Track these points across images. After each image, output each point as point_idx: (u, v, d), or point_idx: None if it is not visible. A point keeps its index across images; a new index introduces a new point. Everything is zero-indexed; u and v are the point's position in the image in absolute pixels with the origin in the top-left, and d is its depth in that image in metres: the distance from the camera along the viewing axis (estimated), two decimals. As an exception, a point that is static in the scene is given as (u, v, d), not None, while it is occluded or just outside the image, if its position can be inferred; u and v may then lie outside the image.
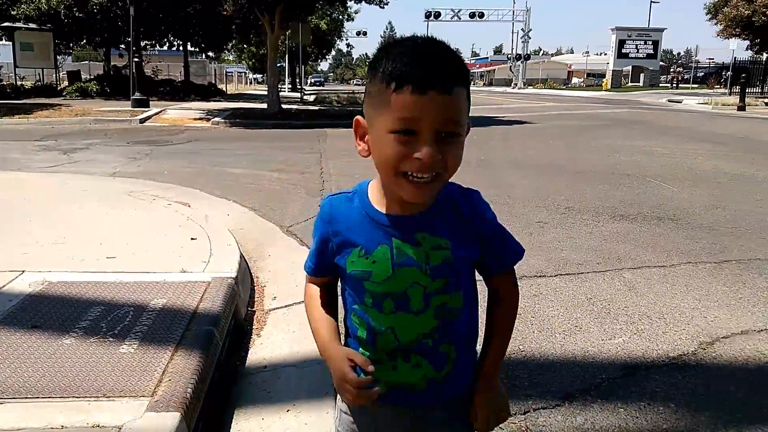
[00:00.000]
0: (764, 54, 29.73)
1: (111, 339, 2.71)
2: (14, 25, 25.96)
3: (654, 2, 60.71)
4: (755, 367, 2.73)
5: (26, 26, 26.23)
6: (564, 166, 8.38)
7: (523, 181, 7.26)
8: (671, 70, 62.32)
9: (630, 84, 53.70)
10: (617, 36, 51.72)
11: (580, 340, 3.02)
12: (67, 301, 3.15)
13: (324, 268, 1.25)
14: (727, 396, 2.48)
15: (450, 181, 1.14)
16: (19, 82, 28.00)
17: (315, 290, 1.31)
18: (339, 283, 1.29)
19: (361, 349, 1.21)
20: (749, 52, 29.67)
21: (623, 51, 52.07)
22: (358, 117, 1.11)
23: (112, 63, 31.54)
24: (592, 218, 5.38)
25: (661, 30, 54.15)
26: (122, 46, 30.04)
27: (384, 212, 1.14)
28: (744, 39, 26.19)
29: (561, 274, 3.94)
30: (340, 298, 1.30)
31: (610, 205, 5.86)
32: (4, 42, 29.25)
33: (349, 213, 1.18)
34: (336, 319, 1.27)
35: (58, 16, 25.39)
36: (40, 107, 17.41)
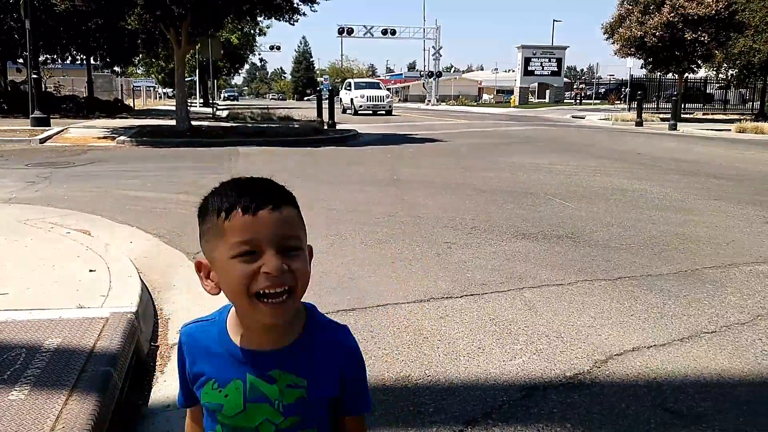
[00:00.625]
0: (657, 72, 31.81)
1: (0, 385, 2.56)
2: None
3: (557, 21, 63.75)
4: (644, 383, 2.91)
5: None
6: (473, 185, 8.65)
7: (432, 200, 7.43)
8: (575, 86, 65.57)
9: (536, 100, 56.06)
10: (523, 54, 53.80)
11: (483, 362, 3.13)
12: (-50, 345, 2.95)
13: (193, 398, 1.23)
14: (620, 413, 2.63)
15: (318, 313, 1.18)
16: None
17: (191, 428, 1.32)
18: None
19: None
20: (644, 70, 31.67)
21: (529, 68, 54.18)
22: (199, 259, 1.12)
23: (9, 78, 29.78)
24: (496, 237, 5.58)
25: (565, 48, 56.83)
26: (20, 60, 28.44)
27: (242, 345, 1.13)
28: (639, 58, 27.92)
29: (466, 295, 4.06)
30: None
31: (513, 224, 6.10)
32: None
33: (207, 343, 1.17)
34: None
35: (-53, 29, 23.79)
36: (-75, 125, 16.21)
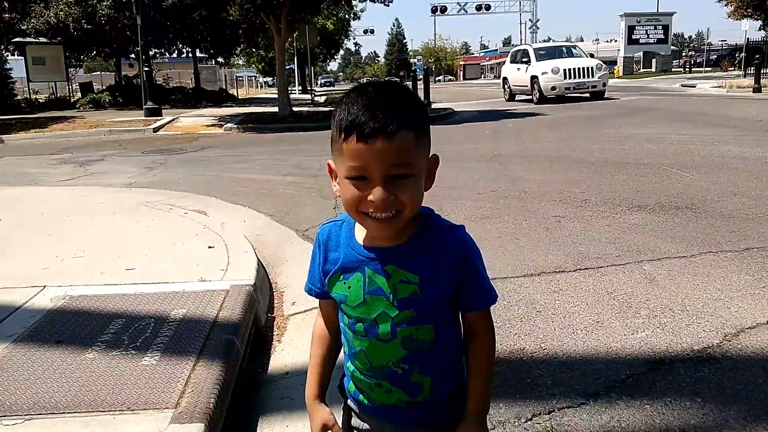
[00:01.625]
0: (777, 33, 29.28)
1: (133, 351, 2.73)
2: (25, 40, 26.25)
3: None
4: (782, 357, 2.68)
5: (36, 40, 26.50)
6: (578, 158, 8.32)
7: (536, 174, 7.21)
8: (683, 54, 61.60)
9: (642, 70, 53.11)
10: (626, 22, 51.19)
11: (602, 335, 2.99)
12: (88, 314, 3.18)
13: (320, 290, 1.31)
14: (756, 388, 2.44)
15: (436, 216, 1.23)
16: (33, 96, 28.35)
17: (318, 326, 1.41)
18: None
19: (346, 363, 1.32)
20: (762, 33, 29.21)
21: (633, 37, 51.54)
22: (329, 161, 1.18)
23: (122, 73, 31.82)
24: (609, 210, 5.33)
25: (671, 14, 53.53)
26: (132, 55, 30.28)
27: (364, 243, 1.21)
28: (756, 19, 25.78)
29: (580, 269, 3.90)
30: None
31: (626, 196, 5.80)
32: (16, 57, 29.56)
33: (337, 240, 1.26)
34: (335, 341, 1.38)
35: (67, 29, 25.64)
36: (55, 120, 17.60)
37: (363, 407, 1.33)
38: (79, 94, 29.42)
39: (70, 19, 25.23)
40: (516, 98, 22.99)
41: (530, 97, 21.38)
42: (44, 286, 3.58)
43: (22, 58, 27.02)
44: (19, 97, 28.83)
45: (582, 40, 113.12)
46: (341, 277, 1.22)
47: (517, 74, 22.47)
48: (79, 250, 4.31)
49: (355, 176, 1.07)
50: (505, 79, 24.01)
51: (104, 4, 24.45)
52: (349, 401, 1.38)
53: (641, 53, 54.12)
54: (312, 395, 1.37)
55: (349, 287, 1.21)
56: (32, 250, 4.37)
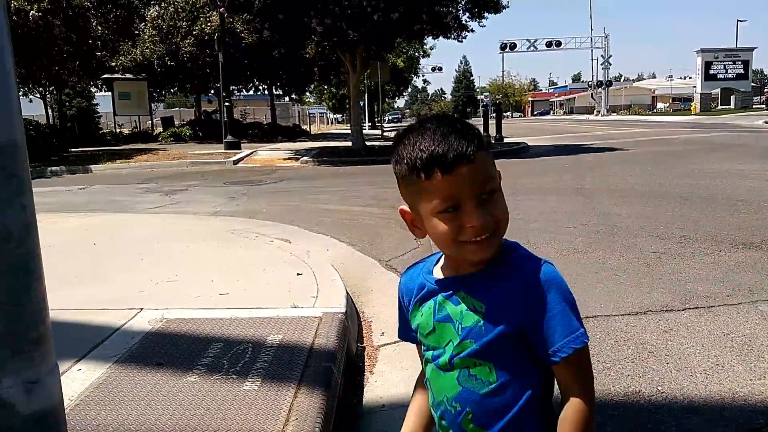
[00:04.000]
0: None
1: (234, 376, 2.69)
2: (113, 76, 27.83)
3: (741, 21, 58.06)
4: None
5: (123, 77, 28.04)
6: (669, 192, 7.96)
7: (626, 209, 6.92)
8: (765, 90, 59.11)
9: (720, 107, 51.24)
10: (703, 58, 49.71)
11: (725, 379, 2.76)
12: (186, 338, 3.19)
13: (409, 334, 1.29)
14: None
15: (521, 248, 1.16)
16: (117, 129, 29.91)
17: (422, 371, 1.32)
18: None
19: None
20: None
21: (710, 73, 49.95)
22: (402, 208, 1.16)
23: (202, 108, 33.18)
24: (711, 247, 5.02)
25: (752, 49, 51.68)
26: (212, 91, 31.55)
27: (441, 276, 1.19)
28: None
29: (689, 308, 3.65)
30: None
31: (728, 233, 5.46)
32: (103, 93, 31.35)
33: (416, 279, 1.24)
34: None
35: (152, 66, 27.02)
36: (139, 152, 18.43)
37: None
38: (160, 128, 30.84)
39: (155, 56, 26.59)
40: None
41: None
42: (141, 309, 3.62)
43: (109, 93, 28.62)
44: (104, 131, 30.51)
45: (654, 77, 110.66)
46: (419, 307, 1.21)
47: None
48: (172, 275, 4.38)
49: (446, 209, 1.05)
50: None
51: (187, 42, 25.66)
52: None
53: (719, 89, 52.30)
54: None
55: (422, 314, 1.19)
56: (127, 274, 4.48)
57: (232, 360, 2.86)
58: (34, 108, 28.68)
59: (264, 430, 2.26)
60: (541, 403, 1.11)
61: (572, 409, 1.07)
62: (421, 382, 1.31)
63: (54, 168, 15.36)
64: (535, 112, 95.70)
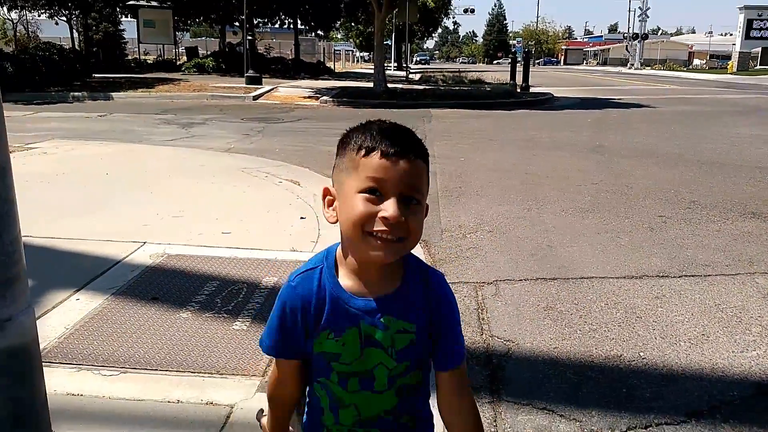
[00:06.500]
0: None
1: (225, 315, 2.78)
2: (138, 2, 27.49)
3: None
4: None
5: (148, 4, 27.67)
6: (687, 156, 7.82)
7: (642, 170, 6.83)
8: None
9: (759, 67, 49.41)
10: (745, 15, 47.63)
11: (707, 350, 2.78)
12: (184, 274, 3.28)
13: (287, 350, 1.18)
14: None
15: (414, 258, 1.18)
16: (142, 57, 29.76)
17: (281, 387, 1.23)
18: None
19: (322, 416, 1.21)
20: None
21: (752, 31, 47.95)
22: (326, 186, 1.15)
23: (227, 40, 32.77)
24: (719, 215, 4.97)
25: (798, 8, 49.34)
26: (236, 23, 31.09)
27: (353, 293, 1.13)
28: None
29: (686, 275, 3.65)
30: None
31: (740, 201, 5.39)
32: (129, 19, 31.05)
33: (317, 294, 1.14)
34: (298, 397, 1.26)
35: (177, -6, 26.64)
36: (161, 81, 18.39)
37: None
38: (184, 58, 30.61)
39: (181, -16, 26.15)
40: None
41: None
42: (144, 242, 3.72)
43: (134, 20, 28.33)
44: (129, 58, 30.38)
45: (693, 32, 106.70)
46: (330, 334, 1.12)
47: None
48: (178, 210, 4.46)
49: (369, 188, 1.06)
50: None
51: (214, -30, 25.17)
52: None
53: (759, 49, 50.29)
54: None
55: (344, 344, 1.12)
56: (135, 207, 4.56)
57: (226, 299, 2.95)
58: (60, 30, 28.56)
59: (248, 369, 2.35)
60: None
61: (460, 412, 1.21)
62: (282, 399, 1.25)
63: (76, 93, 15.42)
64: (568, 62, 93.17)
